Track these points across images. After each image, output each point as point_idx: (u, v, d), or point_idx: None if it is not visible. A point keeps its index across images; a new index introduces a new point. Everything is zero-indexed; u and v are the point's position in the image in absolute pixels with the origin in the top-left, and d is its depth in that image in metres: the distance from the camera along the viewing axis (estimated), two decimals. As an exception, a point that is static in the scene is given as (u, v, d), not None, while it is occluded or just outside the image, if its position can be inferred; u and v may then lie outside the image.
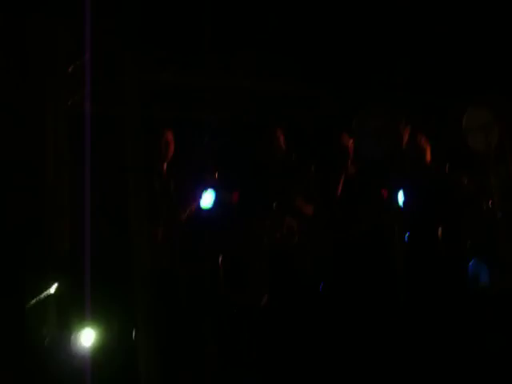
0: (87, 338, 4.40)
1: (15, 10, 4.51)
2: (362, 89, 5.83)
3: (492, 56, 5.57)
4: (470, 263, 4.96)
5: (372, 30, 5.88)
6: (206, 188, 5.14)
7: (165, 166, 5.14)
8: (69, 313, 4.47)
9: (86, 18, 4.45)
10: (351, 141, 5.46)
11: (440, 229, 5.05)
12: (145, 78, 4.97)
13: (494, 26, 5.52)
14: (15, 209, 4.49)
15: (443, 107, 5.78)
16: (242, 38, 5.48)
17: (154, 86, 5.17)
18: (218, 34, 5.39)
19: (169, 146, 5.13)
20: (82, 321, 4.41)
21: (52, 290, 4.45)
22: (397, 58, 5.90)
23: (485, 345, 4.59)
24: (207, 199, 5.15)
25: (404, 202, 5.17)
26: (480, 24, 5.58)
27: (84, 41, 4.56)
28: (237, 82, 5.62)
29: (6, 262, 4.37)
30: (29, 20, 4.57)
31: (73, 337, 4.39)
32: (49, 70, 4.65)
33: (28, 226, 4.53)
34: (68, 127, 4.68)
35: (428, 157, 5.43)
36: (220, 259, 5.02)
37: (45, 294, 4.45)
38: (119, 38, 4.85)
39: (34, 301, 4.42)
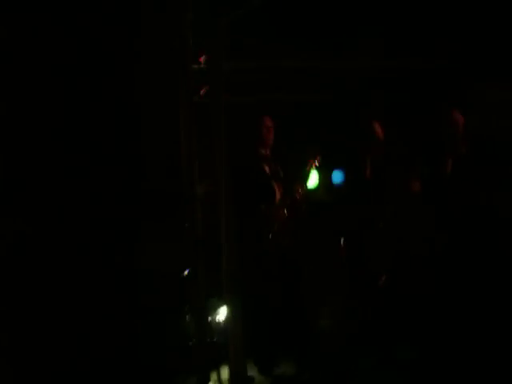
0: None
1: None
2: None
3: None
4: None
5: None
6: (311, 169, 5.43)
7: (268, 150, 5.44)
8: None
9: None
10: (461, 117, 5.46)
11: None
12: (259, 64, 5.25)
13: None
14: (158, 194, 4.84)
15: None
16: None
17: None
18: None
19: (270, 132, 5.40)
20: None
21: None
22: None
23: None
24: (312, 180, 5.44)
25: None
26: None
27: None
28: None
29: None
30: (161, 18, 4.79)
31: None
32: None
33: (165, 212, 4.91)
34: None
35: None
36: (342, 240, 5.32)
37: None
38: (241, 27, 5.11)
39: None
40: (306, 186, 5.38)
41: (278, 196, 5.35)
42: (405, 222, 5.35)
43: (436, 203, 5.36)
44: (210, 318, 4.97)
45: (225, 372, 4.78)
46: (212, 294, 4.91)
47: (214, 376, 4.78)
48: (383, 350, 5.10)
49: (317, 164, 5.45)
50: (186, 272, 4.87)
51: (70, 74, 4.33)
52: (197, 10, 4.85)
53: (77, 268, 4.40)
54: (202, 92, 5.03)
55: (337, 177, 5.57)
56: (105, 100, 4.52)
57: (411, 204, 5.40)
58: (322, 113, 6.20)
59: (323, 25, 5.59)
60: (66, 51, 4.27)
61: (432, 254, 5.27)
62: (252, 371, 4.95)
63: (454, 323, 5.01)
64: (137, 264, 4.69)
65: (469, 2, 5.56)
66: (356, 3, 5.54)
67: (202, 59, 4.97)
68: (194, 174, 4.83)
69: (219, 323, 5.08)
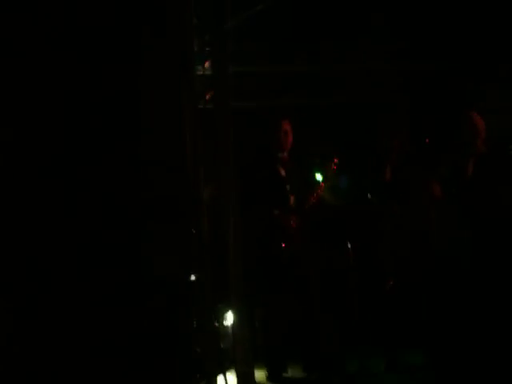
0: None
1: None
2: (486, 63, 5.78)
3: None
4: None
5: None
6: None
7: (285, 154, 5.41)
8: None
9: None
10: (481, 119, 5.36)
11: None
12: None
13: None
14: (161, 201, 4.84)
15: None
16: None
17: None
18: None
19: (288, 136, 5.37)
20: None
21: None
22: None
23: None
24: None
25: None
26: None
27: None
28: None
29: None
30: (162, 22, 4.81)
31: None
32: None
33: (171, 217, 4.90)
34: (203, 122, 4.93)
35: None
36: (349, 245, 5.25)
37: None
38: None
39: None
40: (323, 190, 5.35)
41: (291, 201, 5.31)
42: (425, 224, 5.25)
43: (458, 205, 5.24)
44: (216, 323, 4.94)
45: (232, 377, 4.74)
46: (219, 299, 4.88)
47: (221, 382, 4.74)
48: (393, 354, 5.00)
49: (335, 167, 5.40)
50: (192, 277, 4.86)
51: (70, 79, 4.37)
52: (201, 15, 4.87)
53: (80, 272, 4.42)
54: (207, 97, 5.04)
55: (343, 181, 5.51)
56: (107, 103, 4.55)
57: (432, 206, 5.29)
58: (338, 116, 6.13)
59: (334, 27, 5.56)
60: (65, 55, 4.32)
61: (455, 255, 5.13)
62: (259, 376, 4.91)
63: (472, 327, 4.85)
64: (142, 269, 4.70)
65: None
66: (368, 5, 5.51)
67: (207, 64, 4.99)
68: (199, 178, 4.83)
69: (226, 328, 5.05)
